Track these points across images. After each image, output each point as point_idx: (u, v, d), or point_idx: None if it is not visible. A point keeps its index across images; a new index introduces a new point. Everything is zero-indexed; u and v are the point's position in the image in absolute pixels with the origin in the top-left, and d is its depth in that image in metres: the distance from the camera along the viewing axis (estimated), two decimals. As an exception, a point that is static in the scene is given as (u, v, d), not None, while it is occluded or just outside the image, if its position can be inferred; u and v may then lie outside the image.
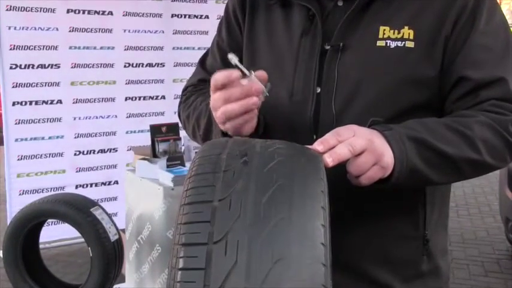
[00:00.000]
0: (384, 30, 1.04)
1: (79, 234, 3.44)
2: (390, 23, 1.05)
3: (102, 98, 4.56)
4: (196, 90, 1.27)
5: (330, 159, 0.84)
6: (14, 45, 4.16)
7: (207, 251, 0.63)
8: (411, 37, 1.03)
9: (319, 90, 1.07)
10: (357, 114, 1.03)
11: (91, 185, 4.58)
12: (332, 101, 1.06)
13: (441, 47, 1.04)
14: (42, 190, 4.29)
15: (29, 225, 3.46)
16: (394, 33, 1.04)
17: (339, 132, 0.89)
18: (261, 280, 0.62)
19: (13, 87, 4.19)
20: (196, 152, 0.79)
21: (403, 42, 1.03)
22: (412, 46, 1.03)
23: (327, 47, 1.07)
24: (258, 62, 1.16)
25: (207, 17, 4.95)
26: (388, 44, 1.04)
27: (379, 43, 1.04)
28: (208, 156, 0.73)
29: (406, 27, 1.04)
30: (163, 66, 4.84)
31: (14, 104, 4.21)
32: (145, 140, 3.92)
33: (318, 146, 0.86)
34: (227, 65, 1.21)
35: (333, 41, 1.07)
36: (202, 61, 1.31)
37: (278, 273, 0.63)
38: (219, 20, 1.30)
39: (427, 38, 1.03)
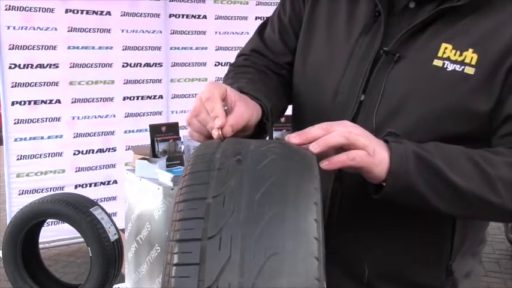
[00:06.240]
0: (446, 48, 0.96)
1: (78, 234, 3.45)
2: (454, 41, 0.96)
3: (101, 98, 4.58)
4: (243, 65, 1.18)
5: (316, 146, 0.82)
6: (13, 45, 4.17)
7: (201, 246, 0.64)
8: (473, 62, 0.94)
9: (363, 97, 1.01)
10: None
11: (90, 184, 4.59)
12: (374, 113, 0.99)
13: (501, 79, 0.94)
14: (42, 190, 4.30)
15: (28, 225, 3.47)
16: (455, 54, 0.95)
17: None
18: (254, 274, 0.63)
19: (12, 86, 4.20)
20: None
21: (463, 67, 0.94)
22: (472, 73, 0.94)
23: (382, 53, 1.00)
24: (311, 51, 1.11)
25: (204, 17, 4.93)
26: (445, 65, 0.95)
27: (436, 62, 0.96)
28: (203, 155, 0.74)
29: (471, 50, 0.94)
30: (161, 66, 4.85)
31: (13, 103, 4.22)
32: (143, 139, 3.93)
33: (293, 138, 0.84)
34: (284, 38, 1.16)
35: (390, 48, 0.99)
36: (261, 30, 1.22)
37: (272, 267, 0.63)
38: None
39: (490, 67, 0.93)
